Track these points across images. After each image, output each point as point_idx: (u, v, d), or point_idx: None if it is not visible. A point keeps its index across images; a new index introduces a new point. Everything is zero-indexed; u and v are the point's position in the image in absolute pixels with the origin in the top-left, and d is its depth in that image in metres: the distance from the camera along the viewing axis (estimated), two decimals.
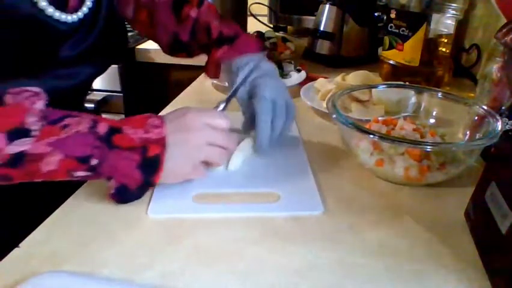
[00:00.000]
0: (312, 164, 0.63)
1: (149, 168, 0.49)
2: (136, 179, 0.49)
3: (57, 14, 0.53)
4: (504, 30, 0.62)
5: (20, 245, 0.46)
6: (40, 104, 0.46)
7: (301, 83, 0.95)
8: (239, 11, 1.42)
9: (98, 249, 0.46)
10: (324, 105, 0.73)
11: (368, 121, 0.68)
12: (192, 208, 0.53)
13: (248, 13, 1.49)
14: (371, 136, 0.56)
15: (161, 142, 0.49)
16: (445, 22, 0.94)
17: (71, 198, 0.54)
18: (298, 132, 0.74)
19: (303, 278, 0.42)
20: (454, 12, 0.94)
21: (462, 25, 1.06)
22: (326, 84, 0.91)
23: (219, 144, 0.54)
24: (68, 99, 0.53)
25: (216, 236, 0.48)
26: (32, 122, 0.44)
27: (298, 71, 1.05)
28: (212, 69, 0.71)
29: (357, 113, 0.75)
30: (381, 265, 0.44)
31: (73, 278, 0.41)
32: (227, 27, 0.70)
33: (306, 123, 0.78)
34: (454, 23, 0.95)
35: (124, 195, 0.50)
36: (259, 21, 1.52)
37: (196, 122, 0.52)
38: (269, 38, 1.24)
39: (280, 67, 1.06)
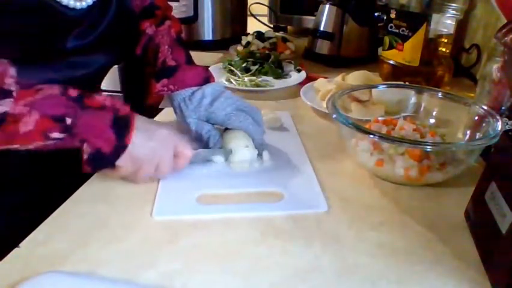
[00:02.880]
0: (312, 164, 0.63)
1: (121, 127, 0.50)
2: (110, 140, 0.49)
3: (66, 0, 0.53)
4: (504, 30, 0.61)
5: (20, 245, 0.46)
6: (12, 70, 0.46)
7: (301, 83, 0.95)
8: (239, 11, 1.42)
9: (98, 250, 0.46)
10: (324, 105, 0.73)
11: (368, 121, 0.68)
12: (196, 209, 0.53)
13: (248, 13, 1.49)
14: (371, 136, 0.56)
15: (129, 112, 0.52)
16: (445, 22, 0.94)
17: (70, 198, 0.54)
18: (297, 132, 0.74)
19: (304, 277, 0.42)
20: (454, 12, 0.94)
21: (462, 25, 1.06)
22: (326, 84, 0.91)
23: (166, 165, 0.55)
24: (82, 89, 0.53)
25: (219, 236, 0.48)
26: (11, 84, 0.45)
27: (298, 71, 1.05)
28: (153, 99, 0.71)
29: (357, 113, 0.75)
30: (381, 265, 0.44)
31: (73, 278, 0.41)
32: (172, 56, 0.67)
33: (306, 123, 0.78)
34: (454, 23, 0.95)
35: (98, 161, 0.50)
36: (259, 21, 1.52)
37: (164, 136, 0.54)
38: (269, 38, 1.24)
39: (280, 67, 1.06)
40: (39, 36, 0.53)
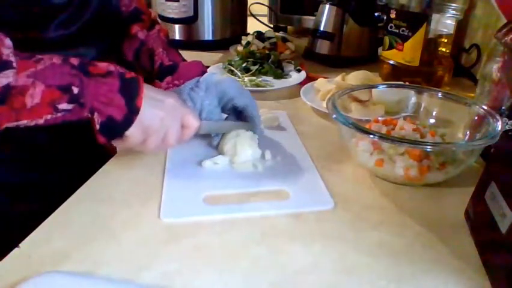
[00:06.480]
0: (314, 162, 0.63)
1: (130, 91, 0.49)
2: (119, 105, 0.48)
3: None
4: (504, 30, 0.62)
5: (20, 245, 0.46)
6: (8, 41, 0.44)
7: (301, 83, 0.95)
8: (239, 11, 1.42)
9: (99, 250, 0.46)
10: (324, 105, 0.73)
11: (368, 121, 0.68)
12: (204, 210, 0.53)
13: (248, 13, 1.49)
14: (371, 136, 0.56)
15: (135, 75, 0.50)
16: (445, 22, 0.94)
17: (71, 198, 0.54)
18: (295, 131, 0.74)
19: (304, 277, 0.42)
20: (454, 12, 0.94)
21: (462, 25, 1.06)
22: (326, 84, 0.91)
23: (173, 135, 0.54)
24: None
25: (226, 236, 0.48)
26: (9, 54, 0.43)
27: (298, 71, 1.05)
28: None
29: (357, 113, 0.75)
30: (381, 265, 0.44)
31: (73, 278, 0.41)
32: (168, 57, 0.70)
33: (306, 123, 0.78)
34: (454, 23, 0.95)
35: (111, 129, 0.49)
36: (259, 21, 1.52)
37: (173, 105, 0.53)
38: (269, 38, 1.24)
39: (280, 67, 1.06)
40: (20, 23, 0.52)
